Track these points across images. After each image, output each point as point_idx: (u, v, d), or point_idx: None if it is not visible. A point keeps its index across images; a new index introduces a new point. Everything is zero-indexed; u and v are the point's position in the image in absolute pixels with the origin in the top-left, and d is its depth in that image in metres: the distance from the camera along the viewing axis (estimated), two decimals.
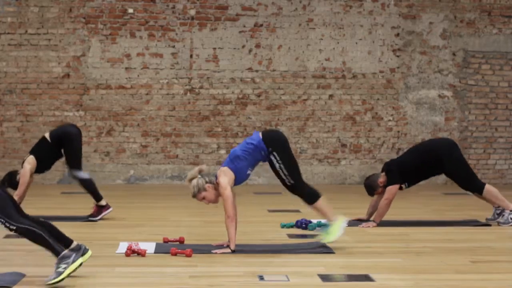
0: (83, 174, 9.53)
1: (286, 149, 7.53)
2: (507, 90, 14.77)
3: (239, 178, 7.45)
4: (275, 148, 7.46)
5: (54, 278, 5.83)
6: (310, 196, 7.52)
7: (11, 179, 9.50)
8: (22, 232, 5.91)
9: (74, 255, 5.96)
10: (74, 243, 6.05)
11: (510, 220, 9.18)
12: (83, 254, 6.02)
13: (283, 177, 7.48)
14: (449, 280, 6.25)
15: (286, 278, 6.20)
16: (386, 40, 14.52)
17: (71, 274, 5.91)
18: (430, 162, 9.17)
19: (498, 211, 9.34)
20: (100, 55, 14.16)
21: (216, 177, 7.44)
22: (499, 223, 9.21)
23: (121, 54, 14.19)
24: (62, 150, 9.57)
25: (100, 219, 9.42)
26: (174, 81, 14.29)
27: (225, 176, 7.37)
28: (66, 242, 6.04)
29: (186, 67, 14.30)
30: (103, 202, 9.48)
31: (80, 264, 5.97)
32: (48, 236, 5.93)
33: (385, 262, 7.03)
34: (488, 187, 9.21)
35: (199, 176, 7.42)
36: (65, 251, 5.95)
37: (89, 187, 9.52)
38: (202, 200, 7.45)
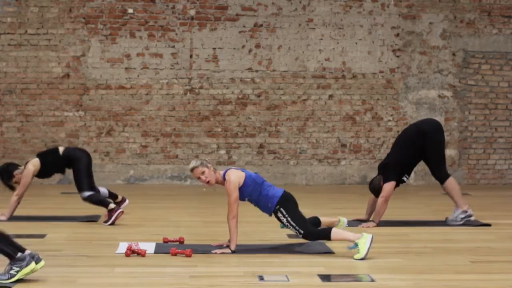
0: (84, 194, 9.48)
1: (293, 204, 7.53)
2: (507, 90, 14.77)
3: (243, 191, 7.44)
4: (283, 205, 7.47)
5: (7, 279, 5.86)
6: (324, 236, 7.52)
7: (9, 171, 9.46)
8: None
9: (28, 259, 5.94)
10: (27, 251, 6.03)
11: (458, 220, 9.22)
12: (36, 262, 5.99)
13: (293, 230, 7.51)
14: (449, 280, 6.25)
15: (286, 278, 6.20)
16: (386, 40, 14.52)
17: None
18: (421, 145, 9.19)
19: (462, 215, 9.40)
20: (100, 55, 14.16)
21: (225, 172, 7.45)
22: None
23: (121, 54, 14.20)
24: (71, 171, 9.67)
25: (111, 223, 9.32)
26: (174, 81, 14.29)
27: (237, 178, 7.37)
28: (20, 249, 6.04)
29: (186, 67, 14.30)
30: (111, 206, 9.42)
31: (32, 271, 5.92)
32: (2, 244, 5.94)
33: (385, 262, 7.03)
34: (451, 179, 9.23)
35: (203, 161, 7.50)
36: (20, 254, 5.94)
37: (92, 201, 9.47)
38: (199, 176, 7.41)
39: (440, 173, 9.28)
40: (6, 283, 5.87)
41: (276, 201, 7.46)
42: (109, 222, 9.30)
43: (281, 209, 7.47)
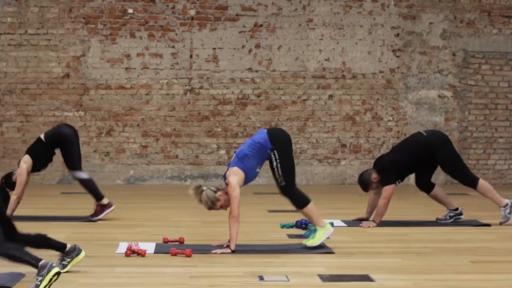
0: (82, 174, 9.55)
1: (287, 150, 7.54)
2: (507, 90, 14.77)
3: (249, 177, 7.49)
4: (278, 147, 7.48)
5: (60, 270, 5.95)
6: (299, 200, 7.55)
7: (8, 180, 9.53)
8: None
9: (77, 249, 6.16)
10: (68, 245, 6.20)
11: (508, 215, 9.21)
12: (77, 255, 6.20)
13: (277, 176, 7.53)
14: (449, 280, 6.24)
15: (286, 278, 6.20)
16: (386, 40, 14.52)
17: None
18: (423, 157, 9.20)
19: (451, 214, 9.42)
20: (100, 55, 14.16)
21: (224, 178, 7.45)
22: (500, 223, 9.23)
23: (121, 54, 14.20)
24: (59, 151, 9.63)
25: (100, 219, 9.42)
26: (174, 81, 14.29)
27: (235, 176, 7.38)
28: (60, 247, 6.17)
29: (186, 67, 14.30)
30: (104, 201, 9.49)
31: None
32: (22, 254, 5.96)
33: (385, 262, 7.03)
34: (482, 182, 9.23)
35: (204, 188, 7.42)
36: (69, 246, 6.13)
37: (88, 186, 9.54)
38: (220, 209, 7.47)
39: (469, 179, 9.27)
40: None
41: (269, 143, 7.46)
42: (98, 217, 9.36)
43: (275, 151, 7.48)
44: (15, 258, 6.01)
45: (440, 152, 9.16)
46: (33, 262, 5.98)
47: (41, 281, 5.90)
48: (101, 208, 9.47)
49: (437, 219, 9.58)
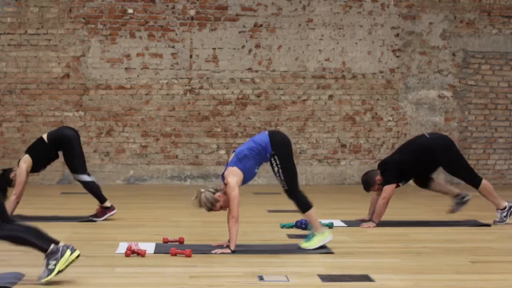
0: (85, 177, 9.53)
1: (288, 155, 7.52)
2: (507, 91, 14.77)
3: (248, 177, 7.48)
4: (278, 152, 7.46)
5: (47, 276, 5.84)
6: (302, 204, 7.56)
7: (5, 175, 9.46)
8: (3, 238, 5.89)
9: (61, 248, 5.87)
10: (62, 243, 6.01)
11: (504, 218, 9.26)
12: (71, 251, 5.92)
13: (279, 181, 7.50)
14: (449, 280, 6.24)
15: (286, 278, 6.20)
16: (385, 40, 14.53)
17: (65, 271, 5.89)
18: (424, 159, 9.21)
19: (456, 201, 9.54)
20: (100, 55, 14.16)
21: (223, 178, 7.44)
22: (494, 221, 9.25)
23: (121, 55, 14.20)
24: (61, 153, 9.61)
25: (103, 220, 9.43)
26: (173, 81, 14.30)
27: (234, 176, 7.36)
28: (53, 242, 6.01)
29: (186, 67, 14.30)
30: (107, 204, 9.48)
31: (71, 257, 5.88)
32: (31, 237, 5.89)
33: (385, 262, 7.03)
34: (484, 182, 9.26)
35: (202, 190, 7.40)
36: (52, 246, 5.87)
37: (92, 189, 9.53)
38: (220, 210, 7.45)
39: (472, 179, 9.30)
40: (48, 279, 5.83)
41: (270, 147, 7.45)
42: (101, 219, 9.36)
43: (275, 156, 7.46)
44: (20, 242, 5.89)
45: (442, 156, 9.17)
46: (44, 246, 5.86)
47: (55, 265, 5.82)
48: (103, 210, 9.47)
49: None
